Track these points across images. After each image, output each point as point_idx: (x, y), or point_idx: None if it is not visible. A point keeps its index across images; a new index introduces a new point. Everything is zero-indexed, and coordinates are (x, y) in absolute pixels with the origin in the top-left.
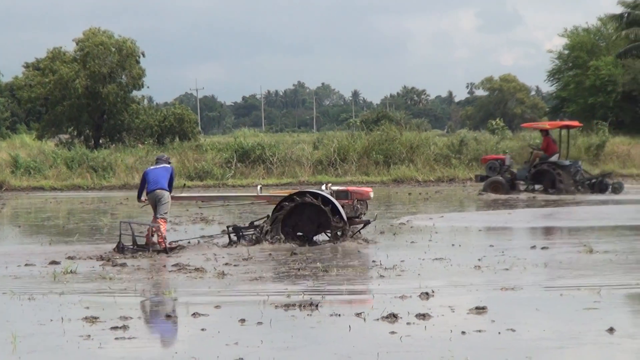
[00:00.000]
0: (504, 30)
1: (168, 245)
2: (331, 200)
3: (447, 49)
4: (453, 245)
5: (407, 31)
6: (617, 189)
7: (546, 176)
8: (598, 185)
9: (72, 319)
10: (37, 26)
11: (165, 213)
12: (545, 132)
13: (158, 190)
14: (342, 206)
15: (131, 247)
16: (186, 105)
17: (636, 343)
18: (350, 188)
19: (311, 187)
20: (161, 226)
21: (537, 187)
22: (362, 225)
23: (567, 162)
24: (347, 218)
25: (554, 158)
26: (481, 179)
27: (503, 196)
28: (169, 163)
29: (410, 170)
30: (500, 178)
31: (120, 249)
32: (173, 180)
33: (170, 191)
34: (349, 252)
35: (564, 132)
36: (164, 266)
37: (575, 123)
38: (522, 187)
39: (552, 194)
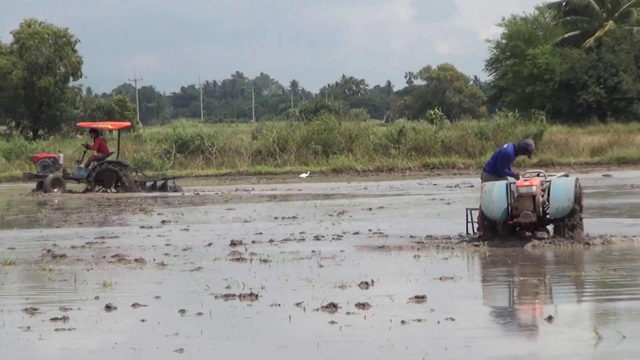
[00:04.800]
0: (439, 20)
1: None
2: None
3: (384, 38)
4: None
5: (343, 21)
6: (176, 190)
7: (110, 175)
8: (160, 186)
9: (12, 310)
10: None
11: None
12: (96, 133)
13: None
14: None
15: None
16: (124, 95)
17: (575, 332)
18: None
19: (250, 177)
20: None
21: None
22: None
23: (127, 162)
24: None
25: (113, 158)
26: (30, 177)
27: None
28: None
29: (350, 160)
30: (60, 176)
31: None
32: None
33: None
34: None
35: (117, 132)
36: (104, 257)
37: (126, 124)
38: (82, 187)
39: (118, 192)
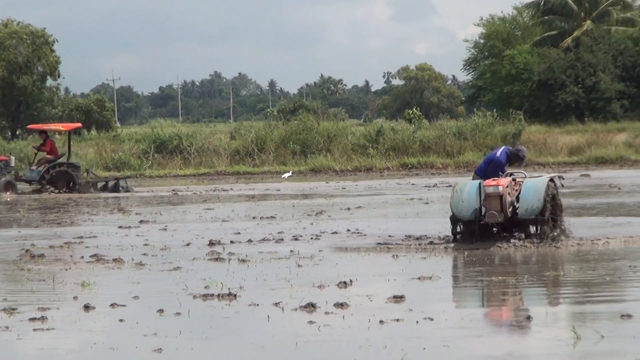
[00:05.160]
0: (417, 20)
1: None
2: None
3: (362, 38)
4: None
5: (321, 20)
6: (127, 190)
7: (63, 177)
8: (112, 187)
9: None
10: None
11: None
12: (46, 135)
13: None
14: None
15: None
16: (102, 95)
17: (552, 331)
18: None
19: (228, 177)
20: None
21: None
22: None
23: (79, 164)
24: None
25: (64, 159)
26: None
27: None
28: None
29: (328, 160)
30: (12, 178)
31: None
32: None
33: None
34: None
35: (67, 134)
36: (82, 257)
37: (77, 125)
38: (34, 188)
39: (74, 192)
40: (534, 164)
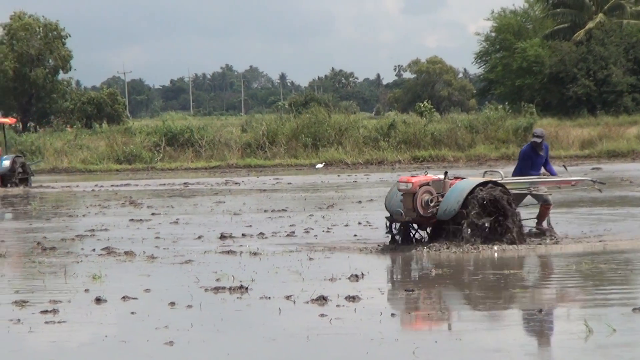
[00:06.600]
0: (428, 12)
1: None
2: None
3: (373, 31)
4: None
5: (332, 13)
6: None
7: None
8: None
9: (2, 303)
10: None
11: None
12: None
13: None
14: None
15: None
16: (114, 89)
17: (565, 325)
18: None
19: (239, 170)
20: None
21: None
22: None
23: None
24: None
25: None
26: None
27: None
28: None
29: (339, 153)
30: None
31: None
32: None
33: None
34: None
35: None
36: (93, 250)
37: (11, 120)
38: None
39: (26, 187)
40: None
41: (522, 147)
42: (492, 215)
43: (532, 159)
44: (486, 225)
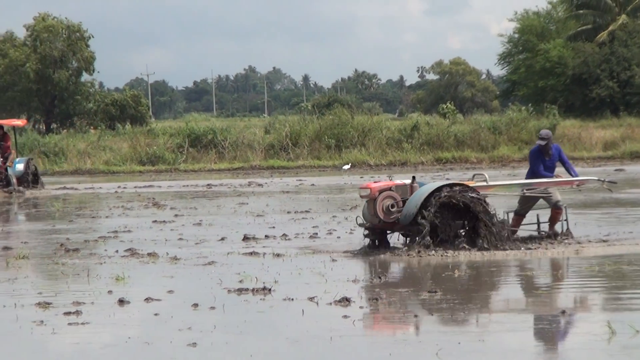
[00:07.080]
0: (451, 14)
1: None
2: None
3: (396, 33)
4: None
5: (354, 15)
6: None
7: None
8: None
9: (25, 305)
10: None
11: None
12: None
13: None
14: None
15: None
16: (137, 90)
17: (587, 326)
18: None
19: (262, 171)
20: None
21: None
22: None
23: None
24: None
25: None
26: None
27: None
28: None
29: (362, 154)
30: None
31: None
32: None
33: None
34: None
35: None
36: (117, 251)
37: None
38: None
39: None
40: (569, 158)
41: (531, 148)
42: (462, 219)
43: (542, 161)
44: (459, 231)
